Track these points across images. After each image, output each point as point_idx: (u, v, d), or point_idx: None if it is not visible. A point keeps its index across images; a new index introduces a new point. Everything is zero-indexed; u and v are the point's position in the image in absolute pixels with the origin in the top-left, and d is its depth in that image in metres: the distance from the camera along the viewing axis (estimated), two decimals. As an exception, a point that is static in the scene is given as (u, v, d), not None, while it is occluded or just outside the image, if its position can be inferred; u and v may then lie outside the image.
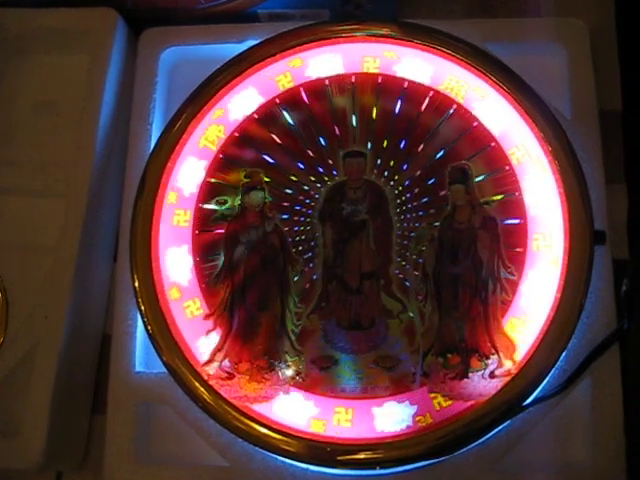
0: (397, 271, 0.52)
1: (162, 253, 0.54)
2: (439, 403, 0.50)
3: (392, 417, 0.50)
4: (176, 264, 0.54)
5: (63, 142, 0.60)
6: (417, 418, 0.49)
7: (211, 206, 0.55)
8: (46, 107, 0.63)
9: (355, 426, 0.50)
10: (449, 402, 0.50)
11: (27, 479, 0.58)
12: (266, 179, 0.54)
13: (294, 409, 0.50)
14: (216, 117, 0.57)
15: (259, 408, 0.50)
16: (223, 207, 0.54)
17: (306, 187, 0.54)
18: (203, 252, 0.54)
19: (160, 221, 0.54)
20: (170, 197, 0.55)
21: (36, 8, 0.62)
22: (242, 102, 0.57)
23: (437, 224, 0.53)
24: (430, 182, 0.54)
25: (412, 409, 0.50)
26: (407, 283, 0.52)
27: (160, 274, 0.53)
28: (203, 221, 0.55)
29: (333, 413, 0.50)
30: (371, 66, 0.57)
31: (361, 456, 0.49)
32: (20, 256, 0.58)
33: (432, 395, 0.50)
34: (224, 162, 0.56)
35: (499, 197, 0.53)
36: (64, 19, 0.62)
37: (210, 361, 0.51)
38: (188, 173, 0.56)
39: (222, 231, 0.54)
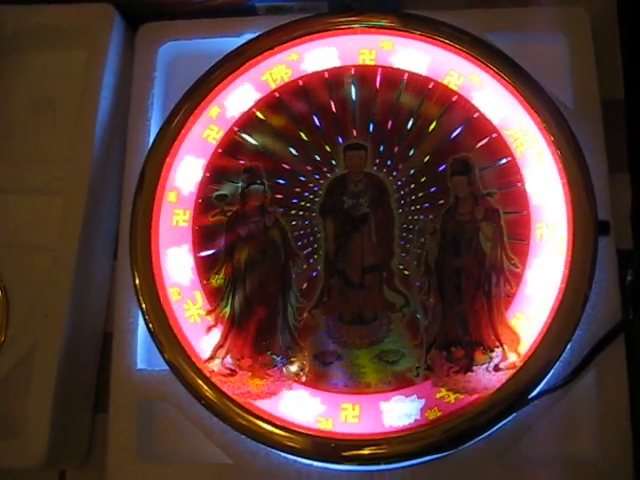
0: (399, 264, 0.52)
1: (162, 250, 0.53)
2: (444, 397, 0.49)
3: (400, 411, 0.49)
4: (176, 261, 0.53)
5: (61, 139, 0.60)
6: (426, 412, 0.49)
7: (211, 202, 0.54)
8: (44, 104, 0.62)
9: (363, 422, 0.50)
10: (456, 395, 0.49)
11: (30, 478, 0.58)
12: (266, 173, 0.54)
13: (300, 407, 0.50)
14: (215, 114, 0.56)
15: (262, 404, 0.50)
16: (223, 202, 0.54)
17: (307, 181, 0.54)
18: (203, 249, 0.53)
19: (160, 218, 0.54)
20: (170, 196, 0.55)
21: (32, 5, 0.62)
22: (240, 96, 0.57)
23: (439, 216, 0.52)
24: (432, 174, 0.53)
25: (420, 403, 0.49)
26: (409, 276, 0.51)
27: (160, 271, 0.53)
28: (203, 218, 0.54)
29: (340, 410, 0.50)
30: (367, 58, 0.57)
31: (366, 451, 0.49)
32: (20, 254, 0.58)
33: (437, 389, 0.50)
34: (223, 157, 0.55)
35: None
36: (61, 15, 0.62)
37: (212, 358, 0.51)
38: (187, 170, 0.55)
39: (222, 227, 0.53)
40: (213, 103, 0.57)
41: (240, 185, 0.54)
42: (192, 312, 0.52)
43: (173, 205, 0.55)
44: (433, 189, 0.53)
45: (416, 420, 0.49)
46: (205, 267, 0.53)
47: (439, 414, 0.49)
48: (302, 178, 0.54)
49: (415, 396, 0.50)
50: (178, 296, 0.53)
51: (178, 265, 0.53)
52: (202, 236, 0.54)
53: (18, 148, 0.61)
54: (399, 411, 0.49)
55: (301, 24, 0.58)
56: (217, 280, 0.52)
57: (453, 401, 0.49)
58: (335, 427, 0.50)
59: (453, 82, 0.55)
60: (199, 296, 0.53)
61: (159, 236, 0.54)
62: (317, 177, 0.54)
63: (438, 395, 0.49)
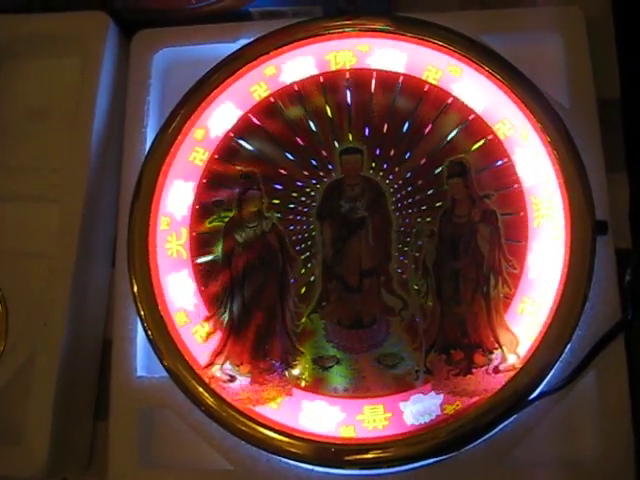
0: (397, 268, 0.52)
1: (160, 257, 0.53)
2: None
3: (419, 409, 0.49)
4: (174, 267, 0.53)
5: (58, 147, 0.60)
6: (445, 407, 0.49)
7: (207, 208, 0.54)
8: (40, 112, 0.62)
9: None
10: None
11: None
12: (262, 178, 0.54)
13: (319, 417, 0.50)
14: (212, 120, 0.56)
15: (263, 410, 0.50)
16: (220, 208, 0.54)
17: (303, 186, 0.54)
18: (200, 254, 0.53)
19: (157, 225, 0.54)
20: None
21: (27, 14, 0.62)
22: (235, 103, 0.57)
23: (436, 219, 0.52)
24: (428, 177, 0.53)
25: (438, 399, 0.49)
26: (407, 280, 0.51)
27: (159, 278, 0.53)
28: (200, 224, 0.54)
29: (360, 414, 0.50)
30: (362, 61, 0.56)
31: (368, 456, 0.48)
32: (17, 263, 0.58)
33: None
34: (220, 163, 0.55)
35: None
36: (55, 24, 0.62)
37: (211, 364, 0.51)
38: (184, 178, 0.55)
39: (219, 233, 0.53)
40: (209, 109, 0.57)
41: (237, 191, 0.54)
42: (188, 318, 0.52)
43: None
44: (430, 192, 0.53)
45: (438, 415, 0.49)
46: (202, 274, 0.53)
47: (463, 406, 0.49)
48: (299, 183, 0.54)
49: (434, 392, 0.49)
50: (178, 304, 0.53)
51: (175, 269, 0.53)
52: (199, 243, 0.54)
53: (14, 156, 0.61)
54: (403, 414, 0.49)
55: (296, 28, 0.58)
56: (215, 286, 0.52)
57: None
58: (358, 434, 0.49)
59: (448, 84, 0.55)
60: (197, 302, 0.53)
61: (157, 243, 0.53)
62: (314, 182, 0.54)
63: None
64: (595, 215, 0.51)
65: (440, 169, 0.53)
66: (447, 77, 0.55)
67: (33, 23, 0.62)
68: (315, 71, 0.57)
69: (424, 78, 0.56)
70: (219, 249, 0.53)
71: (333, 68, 0.57)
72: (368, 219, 0.53)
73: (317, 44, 0.57)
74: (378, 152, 0.54)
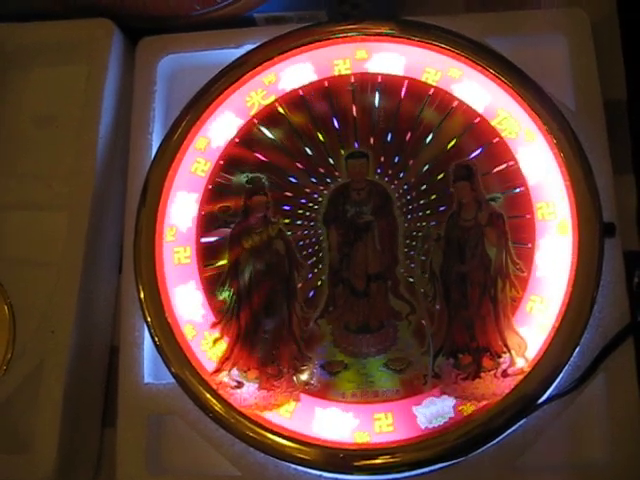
0: (404, 272, 0.52)
1: (167, 264, 0.53)
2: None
3: (432, 412, 0.49)
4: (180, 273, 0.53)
5: (64, 154, 0.60)
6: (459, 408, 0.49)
7: (214, 214, 0.54)
8: (46, 119, 0.63)
9: (398, 429, 0.49)
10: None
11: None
12: (268, 184, 0.54)
13: (328, 423, 0.50)
14: (217, 127, 0.56)
15: (271, 416, 0.50)
16: (226, 214, 0.54)
17: (309, 190, 0.54)
18: (207, 259, 0.53)
19: (164, 231, 0.54)
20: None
21: (32, 22, 0.62)
22: (240, 107, 0.57)
23: (443, 222, 0.52)
24: (434, 180, 0.53)
25: (452, 400, 0.49)
26: (415, 284, 0.51)
27: (165, 285, 0.53)
28: (207, 226, 0.54)
29: (373, 420, 0.49)
30: (367, 66, 0.57)
31: (377, 461, 0.48)
32: (25, 271, 0.58)
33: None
34: (225, 170, 0.55)
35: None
36: (60, 32, 0.62)
37: (218, 370, 0.51)
38: (190, 183, 0.55)
39: (226, 239, 0.53)
40: (215, 115, 0.57)
41: (243, 196, 0.54)
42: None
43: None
44: (436, 195, 0.53)
45: (427, 428, 0.49)
46: (209, 279, 0.53)
47: (477, 407, 0.49)
48: (305, 188, 0.54)
49: (446, 395, 0.49)
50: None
51: (182, 274, 0.53)
52: (205, 249, 0.54)
53: (21, 164, 0.61)
54: (416, 418, 0.49)
55: (301, 33, 0.58)
56: (222, 292, 0.52)
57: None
58: (373, 439, 0.49)
59: (453, 87, 0.55)
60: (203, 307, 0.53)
61: (163, 250, 0.53)
62: (320, 186, 0.54)
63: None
64: (603, 217, 0.51)
65: (446, 172, 0.53)
66: (451, 80, 0.55)
67: (38, 32, 0.62)
68: (319, 76, 0.57)
69: (428, 82, 0.56)
70: (225, 255, 0.53)
71: (337, 73, 0.57)
72: (374, 223, 0.53)
73: (321, 49, 0.57)
74: (384, 156, 0.54)
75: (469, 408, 0.48)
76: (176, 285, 0.53)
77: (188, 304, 0.53)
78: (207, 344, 0.52)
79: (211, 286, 0.53)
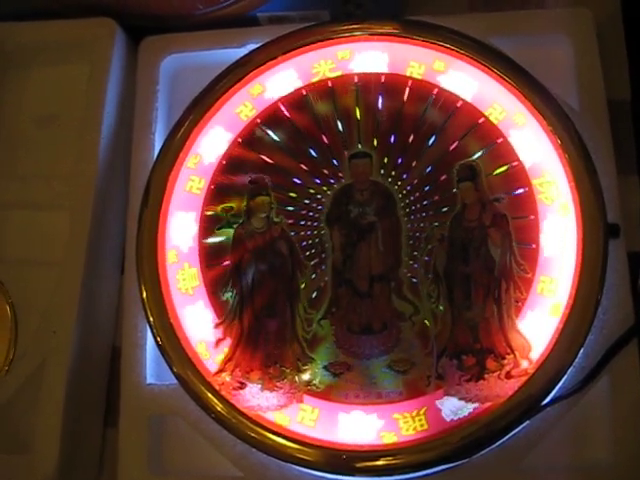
0: (407, 273, 0.51)
1: (170, 263, 0.53)
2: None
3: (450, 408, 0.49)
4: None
5: (66, 154, 0.60)
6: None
7: (216, 215, 0.54)
8: (47, 119, 0.62)
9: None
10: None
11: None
12: (271, 184, 0.54)
13: (336, 425, 0.49)
14: (221, 128, 0.56)
15: (273, 417, 0.50)
16: (229, 215, 0.54)
17: (312, 191, 0.54)
18: (209, 260, 0.53)
19: (166, 232, 0.54)
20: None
21: (34, 21, 0.62)
22: (244, 107, 0.57)
23: (447, 223, 0.52)
24: (438, 181, 0.53)
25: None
26: (418, 285, 0.51)
27: (168, 285, 0.53)
28: (209, 229, 0.54)
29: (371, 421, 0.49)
30: (370, 65, 0.56)
31: (379, 463, 0.48)
32: (26, 271, 0.58)
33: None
34: (227, 170, 0.55)
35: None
36: (62, 31, 0.62)
37: (221, 371, 0.50)
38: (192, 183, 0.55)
39: (229, 239, 0.53)
40: (218, 114, 0.56)
41: (246, 196, 0.54)
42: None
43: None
44: (440, 196, 0.53)
45: (431, 429, 0.49)
46: (211, 280, 0.53)
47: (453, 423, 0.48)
48: (309, 189, 0.54)
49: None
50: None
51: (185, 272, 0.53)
52: (208, 249, 0.53)
53: (23, 164, 0.61)
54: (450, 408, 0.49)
55: (304, 33, 0.58)
56: (224, 293, 0.52)
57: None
58: (400, 439, 0.49)
59: (457, 88, 0.55)
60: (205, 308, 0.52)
61: (165, 250, 0.53)
62: (323, 187, 0.54)
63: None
64: (607, 218, 0.51)
65: (450, 173, 0.53)
66: (454, 80, 0.55)
67: (40, 31, 0.62)
68: (322, 76, 0.56)
69: (432, 81, 0.55)
70: (228, 255, 0.53)
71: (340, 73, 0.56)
72: (378, 224, 0.53)
73: (324, 49, 0.57)
74: (387, 156, 0.54)
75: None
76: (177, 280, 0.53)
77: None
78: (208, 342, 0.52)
79: (214, 287, 0.52)
